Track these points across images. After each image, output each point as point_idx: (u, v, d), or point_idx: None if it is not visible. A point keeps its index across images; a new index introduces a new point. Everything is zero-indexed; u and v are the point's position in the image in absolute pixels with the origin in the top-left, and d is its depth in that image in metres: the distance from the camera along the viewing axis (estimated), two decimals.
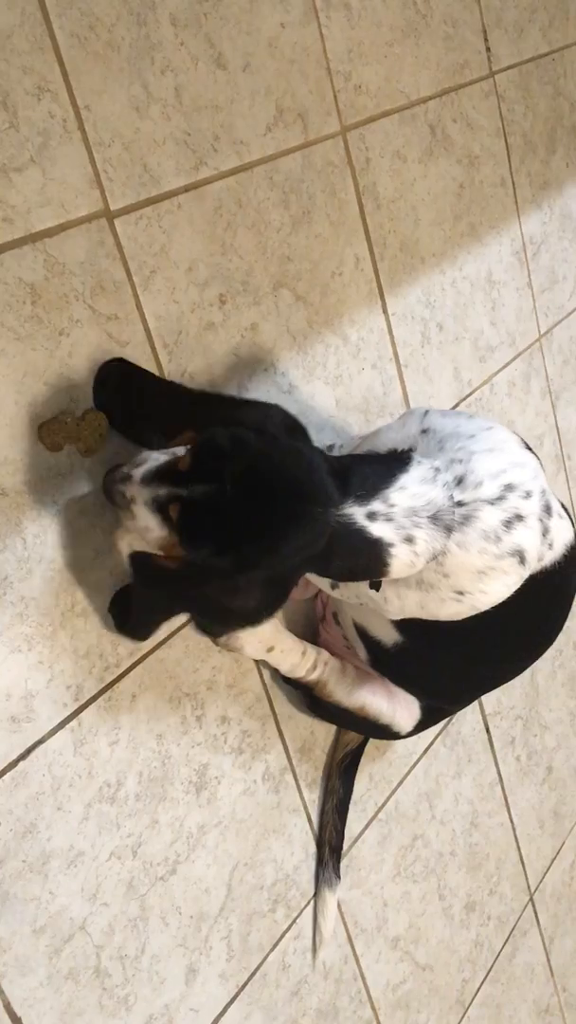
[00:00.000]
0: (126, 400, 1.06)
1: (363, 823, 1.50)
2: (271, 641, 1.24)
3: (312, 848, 1.40)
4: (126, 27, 1.07)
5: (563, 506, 1.16)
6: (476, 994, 1.80)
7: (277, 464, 0.95)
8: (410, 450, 1.07)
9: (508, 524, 1.03)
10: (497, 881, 1.84)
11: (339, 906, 1.46)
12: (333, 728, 1.42)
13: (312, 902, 1.41)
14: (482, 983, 1.81)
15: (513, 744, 1.85)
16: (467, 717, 1.72)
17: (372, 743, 1.45)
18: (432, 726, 1.37)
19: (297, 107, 1.29)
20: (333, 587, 1.16)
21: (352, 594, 1.14)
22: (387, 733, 1.32)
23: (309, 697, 1.31)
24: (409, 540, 0.99)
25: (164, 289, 1.13)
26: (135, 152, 1.09)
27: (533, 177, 1.79)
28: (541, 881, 1.98)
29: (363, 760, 1.45)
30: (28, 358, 1.00)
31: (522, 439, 1.12)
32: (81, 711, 1.08)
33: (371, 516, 0.98)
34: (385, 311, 1.47)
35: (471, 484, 1.03)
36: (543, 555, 1.09)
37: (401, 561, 1.00)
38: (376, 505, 0.98)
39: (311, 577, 1.18)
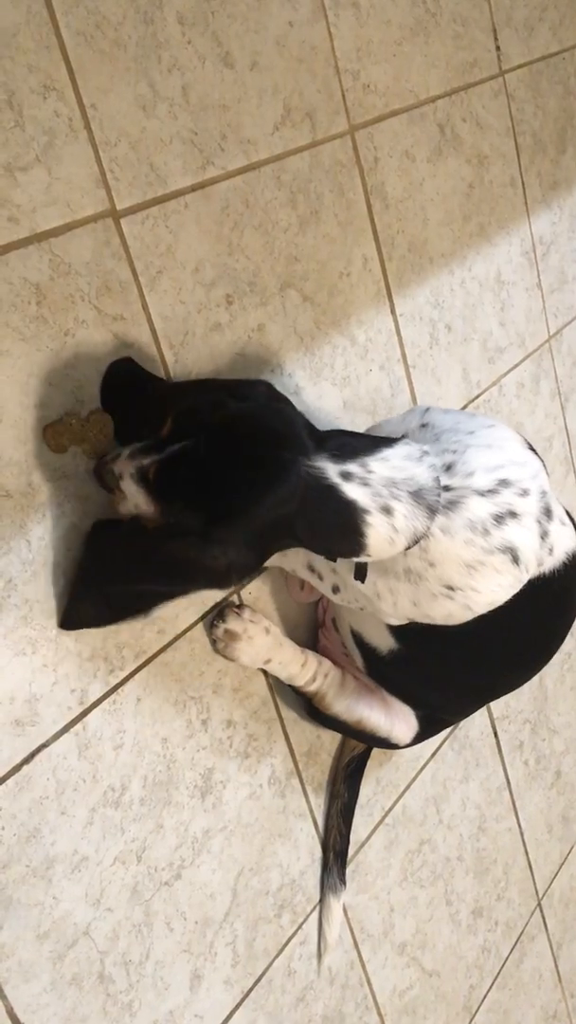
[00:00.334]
0: (132, 400, 1.05)
1: (370, 827, 1.49)
2: (268, 653, 1.22)
3: (318, 853, 1.39)
4: (133, 25, 1.06)
5: (568, 513, 1.14)
6: (483, 1000, 1.79)
7: (250, 418, 0.94)
8: (403, 436, 1.06)
9: (499, 519, 1.01)
10: (505, 886, 1.83)
11: (345, 911, 1.45)
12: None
13: (318, 907, 1.40)
14: (489, 989, 1.80)
15: (521, 748, 1.84)
16: (475, 721, 1.71)
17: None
18: (433, 736, 1.35)
19: (305, 106, 1.28)
20: (334, 591, 1.15)
21: (352, 597, 1.13)
22: (386, 744, 1.31)
23: (309, 705, 1.30)
24: (387, 511, 0.96)
25: (170, 289, 1.12)
26: (141, 151, 1.08)
27: (543, 177, 1.77)
28: (549, 886, 1.97)
29: (370, 764, 1.44)
30: (33, 359, 0.99)
31: (526, 441, 1.11)
32: (86, 715, 1.07)
33: (345, 476, 0.95)
34: (393, 312, 1.46)
35: (461, 472, 1.01)
36: (542, 559, 1.07)
37: (379, 533, 0.97)
38: (352, 467, 0.96)
39: (313, 582, 1.17)
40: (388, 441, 1.01)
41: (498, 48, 1.64)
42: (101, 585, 1.02)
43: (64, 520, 1.03)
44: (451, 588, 1.03)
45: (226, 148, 1.18)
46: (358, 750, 1.41)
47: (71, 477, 1.03)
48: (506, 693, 1.33)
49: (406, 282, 1.47)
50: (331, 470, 0.95)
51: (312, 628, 1.35)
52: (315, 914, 1.39)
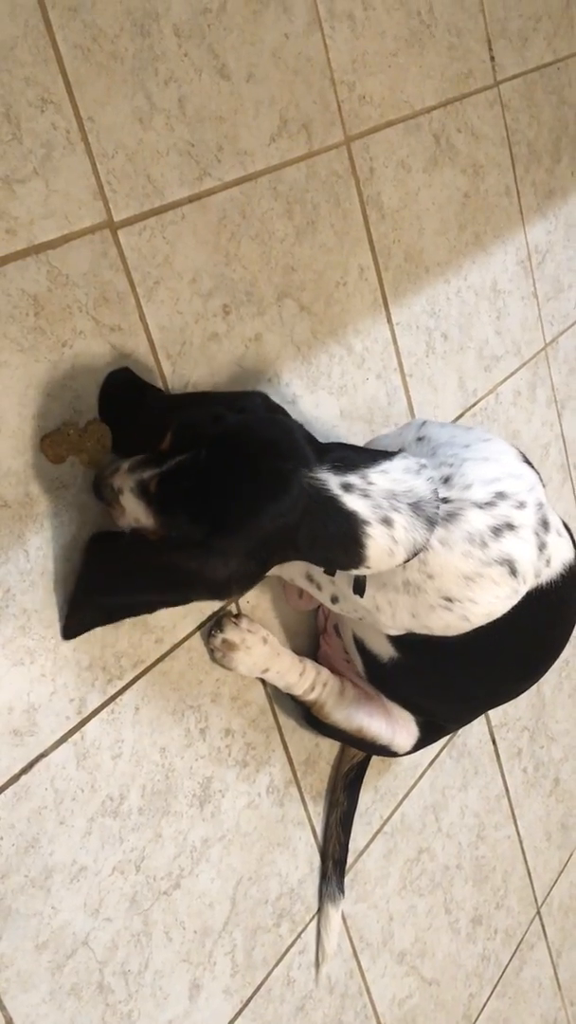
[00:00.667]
0: (130, 411, 1.05)
1: (368, 836, 1.49)
2: (266, 663, 1.22)
3: (317, 862, 1.39)
4: (129, 38, 1.07)
5: (565, 525, 1.14)
6: (483, 1009, 1.78)
7: (250, 429, 0.94)
8: (400, 450, 1.06)
9: (497, 531, 1.01)
10: (504, 894, 1.82)
11: (344, 920, 1.45)
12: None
13: (317, 917, 1.39)
14: (489, 998, 1.80)
15: (520, 756, 1.84)
16: (473, 729, 1.71)
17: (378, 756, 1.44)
18: (433, 743, 1.35)
19: (301, 117, 1.28)
20: (333, 602, 1.15)
21: (351, 607, 1.13)
22: (386, 752, 1.31)
23: (308, 714, 1.30)
24: (386, 522, 0.97)
25: (168, 300, 1.13)
26: (138, 163, 1.09)
27: (538, 186, 1.78)
28: (548, 894, 1.97)
29: (368, 772, 1.44)
30: (31, 370, 1.00)
31: (522, 453, 1.11)
32: (84, 724, 1.07)
33: (346, 487, 0.96)
34: (389, 321, 1.46)
35: (459, 485, 1.01)
36: (540, 571, 1.07)
37: (379, 545, 0.97)
38: (352, 479, 0.96)
39: (312, 592, 1.17)
40: (387, 454, 1.01)
41: (493, 59, 1.65)
42: (101, 595, 1.03)
43: (62, 530, 1.03)
44: (449, 600, 1.04)
45: (223, 159, 1.18)
46: (357, 758, 1.41)
47: (69, 487, 1.04)
48: (506, 701, 1.34)
49: (402, 291, 1.48)
50: (332, 481, 0.95)
51: (312, 636, 1.36)
52: (314, 923, 1.39)
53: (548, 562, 1.08)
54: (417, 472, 1.00)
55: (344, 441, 1.38)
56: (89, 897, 1.09)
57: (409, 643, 1.16)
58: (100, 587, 1.03)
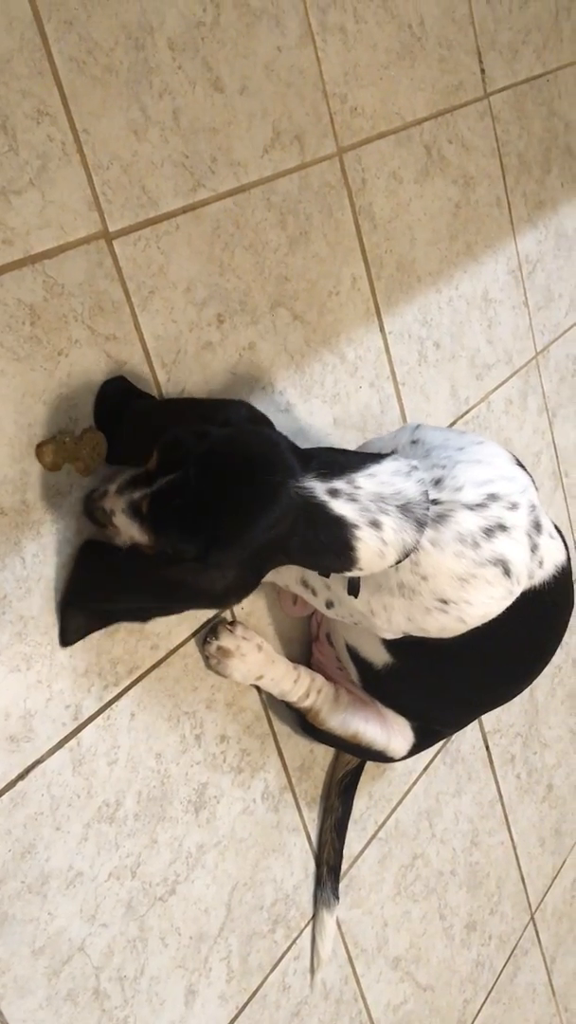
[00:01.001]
0: (124, 419, 1.06)
1: (363, 842, 1.50)
2: (261, 670, 1.23)
3: (312, 867, 1.39)
4: (124, 51, 1.08)
5: (557, 528, 1.15)
6: (477, 1015, 1.79)
7: (236, 444, 0.95)
8: (393, 451, 1.07)
9: (489, 532, 1.02)
10: (498, 900, 1.83)
11: (339, 926, 1.46)
12: None
13: (311, 922, 1.40)
14: (483, 1003, 1.80)
15: (513, 762, 1.85)
16: (467, 735, 1.72)
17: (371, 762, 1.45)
18: (428, 748, 1.36)
19: (294, 129, 1.30)
20: (328, 607, 1.16)
21: (346, 612, 1.14)
22: (381, 758, 1.32)
23: (303, 721, 1.31)
24: (375, 525, 0.98)
25: (162, 309, 1.14)
26: (133, 174, 1.10)
27: (528, 197, 1.80)
28: (542, 900, 1.97)
29: (363, 779, 1.44)
30: (27, 378, 1.01)
31: (515, 457, 1.12)
32: (80, 730, 1.08)
33: (333, 493, 0.97)
34: (382, 330, 1.48)
35: (450, 487, 1.02)
36: (533, 572, 1.08)
37: (368, 548, 0.98)
38: (339, 484, 0.97)
39: (307, 597, 1.18)
40: (376, 457, 1.02)
41: (483, 71, 1.67)
42: (97, 601, 1.04)
43: (58, 537, 1.04)
44: (445, 602, 1.04)
45: (216, 171, 1.19)
46: (352, 764, 1.42)
47: (65, 494, 1.04)
48: (500, 705, 1.35)
49: (394, 300, 1.49)
50: (319, 488, 0.96)
51: (306, 643, 1.36)
52: (309, 929, 1.40)
53: (541, 563, 1.09)
54: (407, 474, 1.01)
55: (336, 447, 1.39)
56: (85, 903, 1.09)
57: (404, 647, 1.17)
58: (96, 594, 1.04)
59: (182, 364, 1.17)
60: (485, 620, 1.07)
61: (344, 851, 1.42)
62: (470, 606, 1.04)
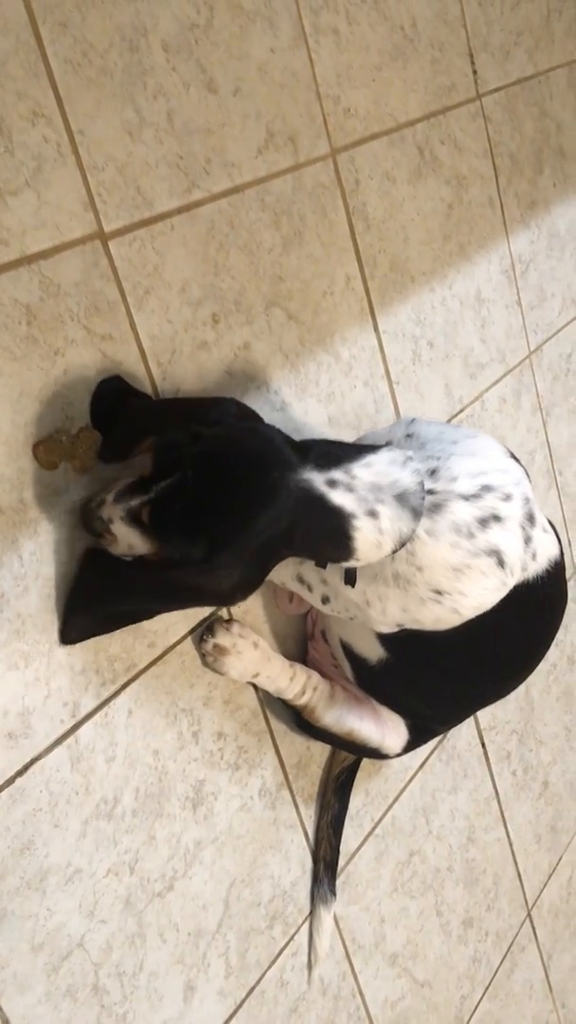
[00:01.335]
0: (120, 418, 1.07)
1: (360, 839, 1.50)
2: (257, 667, 1.24)
3: (309, 864, 1.40)
4: (119, 53, 1.09)
5: (550, 522, 1.16)
6: (475, 1011, 1.79)
7: (229, 443, 0.96)
8: (388, 442, 1.08)
9: (484, 522, 1.03)
10: (495, 897, 1.84)
11: (337, 922, 1.46)
12: None
13: (309, 918, 1.41)
14: (480, 999, 1.81)
15: (509, 759, 1.86)
16: (462, 732, 1.73)
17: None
18: (423, 745, 1.37)
19: (288, 130, 1.31)
20: (324, 602, 1.17)
21: (342, 607, 1.15)
22: (376, 755, 1.32)
23: (298, 718, 1.32)
24: (372, 514, 0.99)
25: (158, 309, 1.15)
26: (128, 175, 1.11)
27: (520, 197, 1.81)
28: (539, 896, 1.98)
29: (359, 775, 1.45)
30: (24, 378, 1.01)
31: (509, 450, 1.13)
32: (78, 727, 1.08)
33: (331, 484, 0.97)
34: (376, 329, 1.49)
35: (445, 477, 1.03)
36: (526, 564, 1.09)
37: (366, 537, 0.99)
38: (336, 474, 0.98)
39: (303, 594, 1.19)
40: (372, 448, 1.03)
41: (475, 72, 1.68)
42: (102, 604, 1.04)
43: (55, 535, 1.05)
44: (439, 592, 1.05)
45: (211, 171, 1.20)
46: (348, 761, 1.42)
47: (61, 493, 1.05)
48: (494, 701, 1.35)
49: (388, 300, 1.50)
50: (317, 480, 0.97)
51: (302, 641, 1.37)
52: (307, 925, 1.40)
53: (534, 556, 1.10)
54: (403, 464, 1.01)
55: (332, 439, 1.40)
56: (84, 899, 1.10)
57: (398, 643, 1.17)
58: (100, 597, 1.05)
59: (177, 364, 1.17)
60: (479, 611, 1.08)
61: (341, 848, 1.43)
62: (464, 597, 1.05)
